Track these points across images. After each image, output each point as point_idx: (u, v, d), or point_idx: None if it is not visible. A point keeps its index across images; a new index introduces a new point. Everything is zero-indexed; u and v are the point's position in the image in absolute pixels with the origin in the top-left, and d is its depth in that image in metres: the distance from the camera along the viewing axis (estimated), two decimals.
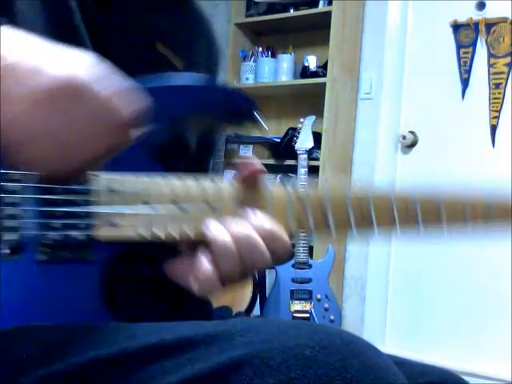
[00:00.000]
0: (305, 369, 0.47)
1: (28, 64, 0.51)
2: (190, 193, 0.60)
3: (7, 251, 0.55)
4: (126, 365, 0.51)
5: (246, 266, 0.58)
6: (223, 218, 0.60)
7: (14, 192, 0.55)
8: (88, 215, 0.57)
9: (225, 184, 0.62)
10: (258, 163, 0.62)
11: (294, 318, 2.69)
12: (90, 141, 0.53)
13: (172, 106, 0.65)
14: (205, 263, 0.58)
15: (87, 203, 0.57)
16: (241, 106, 0.67)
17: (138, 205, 0.59)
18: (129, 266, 0.63)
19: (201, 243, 0.59)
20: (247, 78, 3.39)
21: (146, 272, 0.66)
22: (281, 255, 0.60)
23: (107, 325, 0.56)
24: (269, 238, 0.59)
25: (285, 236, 0.60)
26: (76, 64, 0.52)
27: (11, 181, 0.55)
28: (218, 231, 0.58)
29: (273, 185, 0.63)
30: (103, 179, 0.58)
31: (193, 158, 0.75)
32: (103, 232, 0.57)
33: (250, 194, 0.62)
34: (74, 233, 0.56)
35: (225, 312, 0.70)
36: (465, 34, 2.92)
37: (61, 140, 0.52)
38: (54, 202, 0.56)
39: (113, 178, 0.59)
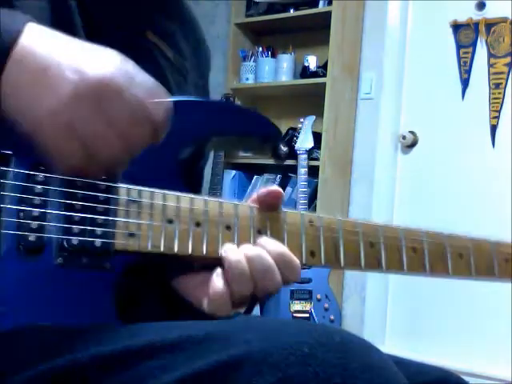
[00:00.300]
0: (304, 366, 0.47)
1: (68, 64, 0.52)
2: (208, 211, 0.61)
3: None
4: (127, 362, 0.51)
5: (257, 289, 0.59)
6: (239, 239, 0.61)
7: (36, 194, 0.56)
8: (106, 223, 0.57)
9: (244, 206, 0.63)
10: (278, 189, 0.63)
11: (294, 318, 2.69)
12: (126, 140, 0.55)
13: (203, 124, 0.67)
14: (218, 282, 0.58)
15: (106, 211, 0.58)
16: (268, 134, 0.69)
17: (155, 217, 0.59)
18: (142, 277, 0.63)
19: (215, 262, 0.60)
20: (247, 78, 3.39)
21: (158, 286, 0.66)
22: (291, 281, 0.61)
23: (109, 323, 0.56)
24: (282, 263, 0.60)
25: (297, 262, 0.61)
26: (111, 64, 0.53)
27: (34, 182, 0.56)
28: (234, 252, 0.59)
29: (290, 213, 0.65)
30: (124, 189, 0.59)
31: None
32: (120, 241, 0.58)
33: (267, 219, 0.63)
34: (91, 240, 0.57)
35: None
36: (465, 33, 2.92)
37: (95, 138, 0.53)
38: (75, 208, 0.57)
39: (134, 188, 0.60)
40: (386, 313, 3.08)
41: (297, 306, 2.72)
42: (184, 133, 0.65)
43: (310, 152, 2.91)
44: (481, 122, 2.85)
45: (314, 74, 3.18)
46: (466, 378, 0.71)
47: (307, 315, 2.70)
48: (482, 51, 2.88)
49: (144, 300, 0.67)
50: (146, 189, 0.60)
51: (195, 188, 0.72)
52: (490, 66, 2.86)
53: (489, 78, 2.85)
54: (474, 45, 2.89)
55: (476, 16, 2.89)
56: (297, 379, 0.46)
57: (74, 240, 0.56)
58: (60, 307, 0.56)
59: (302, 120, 2.94)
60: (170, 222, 0.60)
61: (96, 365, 0.51)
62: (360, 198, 3.15)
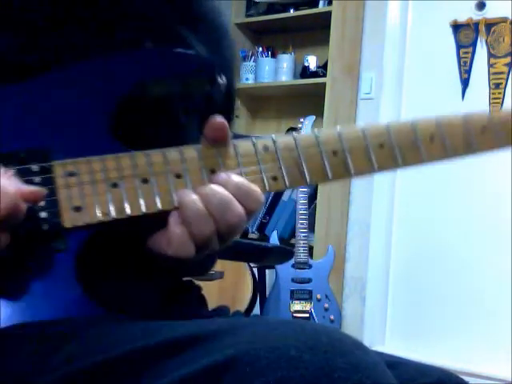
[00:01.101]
0: (290, 370, 0.46)
1: None
2: (152, 164, 0.58)
3: None
4: (117, 370, 0.50)
5: (220, 226, 0.57)
6: (193, 184, 0.58)
7: None
8: (49, 205, 0.55)
9: (190, 149, 0.59)
10: (220, 120, 0.59)
11: (294, 317, 2.69)
12: None
13: (121, 77, 0.62)
14: (174, 223, 0.56)
15: (47, 192, 0.55)
16: (201, 68, 0.65)
17: (99, 183, 0.56)
18: (103, 248, 0.61)
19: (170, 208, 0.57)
20: (247, 78, 3.39)
21: (123, 252, 0.63)
22: (254, 209, 0.58)
23: (98, 328, 0.55)
24: (240, 193, 0.57)
25: (256, 189, 0.59)
26: None
27: None
28: (185, 192, 0.57)
29: (241, 142, 0.61)
30: (58, 165, 0.56)
31: (191, 120, 0.71)
32: (68, 218, 0.55)
33: (218, 156, 0.60)
34: (38, 225, 0.54)
35: (222, 311, 0.70)
36: (465, 33, 2.92)
37: None
38: None
39: (69, 161, 0.57)
40: (386, 313, 3.08)
41: (297, 306, 2.72)
42: (112, 88, 0.61)
43: None
44: None
45: (314, 74, 3.18)
46: (465, 378, 0.70)
47: (307, 315, 2.70)
48: (482, 51, 2.88)
49: (119, 273, 0.64)
50: (81, 158, 0.57)
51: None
52: (490, 66, 2.86)
53: (489, 78, 2.85)
54: (474, 45, 2.89)
55: (476, 16, 2.89)
56: (283, 383, 0.46)
57: (21, 230, 0.53)
58: (30, 300, 0.54)
59: (302, 120, 2.94)
60: (115, 185, 0.57)
61: (88, 375, 0.50)
62: (360, 197, 3.15)
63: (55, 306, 0.55)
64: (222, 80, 0.67)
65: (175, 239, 0.56)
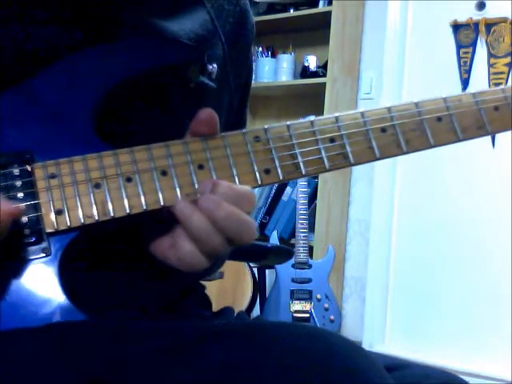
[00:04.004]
0: (287, 376, 0.46)
1: None
2: (136, 161, 0.55)
3: None
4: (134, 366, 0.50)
5: (229, 237, 0.53)
6: (179, 181, 0.55)
7: None
8: (30, 209, 0.53)
9: (176, 144, 0.56)
10: (209, 116, 0.56)
11: (294, 317, 2.69)
12: None
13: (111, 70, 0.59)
14: (184, 242, 0.53)
15: (27, 196, 0.53)
16: (189, 57, 0.62)
17: (80, 185, 0.54)
18: (89, 253, 0.59)
19: (169, 216, 0.54)
20: None
21: (116, 254, 0.61)
22: (250, 211, 0.54)
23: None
24: (240, 201, 0.53)
25: (250, 194, 0.54)
26: None
27: None
28: (187, 211, 0.53)
29: (230, 132, 0.58)
30: (39, 167, 0.55)
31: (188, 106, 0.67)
32: (49, 222, 0.53)
33: (206, 150, 0.56)
34: (19, 230, 0.52)
35: (226, 313, 0.70)
36: (465, 33, 2.92)
37: None
38: None
39: (50, 163, 0.55)
40: (386, 313, 3.08)
41: (297, 306, 2.72)
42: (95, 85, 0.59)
43: None
44: None
45: (314, 74, 3.18)
46: (465, 378, 0.70)
47: (307, 315, 2.70)
48: (481, 51, 2.88)
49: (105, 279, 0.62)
50: (63, 159, 0.55)
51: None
52: (490, 65, 2.86)
53: (489, 78, 2.85)
54: (474, 45, 2.89)
55: (476, 16, 2.89)
56: None
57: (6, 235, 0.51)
58: (13, 307, 0.52)
59: (302, 120, 2.94)
60: (98, 186, 0.54)
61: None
62: (360, 197, 3.15)
63: (37, 313, 0.52)
64: (212, 67, 0.65)
65: (187, 258, 0.54)
